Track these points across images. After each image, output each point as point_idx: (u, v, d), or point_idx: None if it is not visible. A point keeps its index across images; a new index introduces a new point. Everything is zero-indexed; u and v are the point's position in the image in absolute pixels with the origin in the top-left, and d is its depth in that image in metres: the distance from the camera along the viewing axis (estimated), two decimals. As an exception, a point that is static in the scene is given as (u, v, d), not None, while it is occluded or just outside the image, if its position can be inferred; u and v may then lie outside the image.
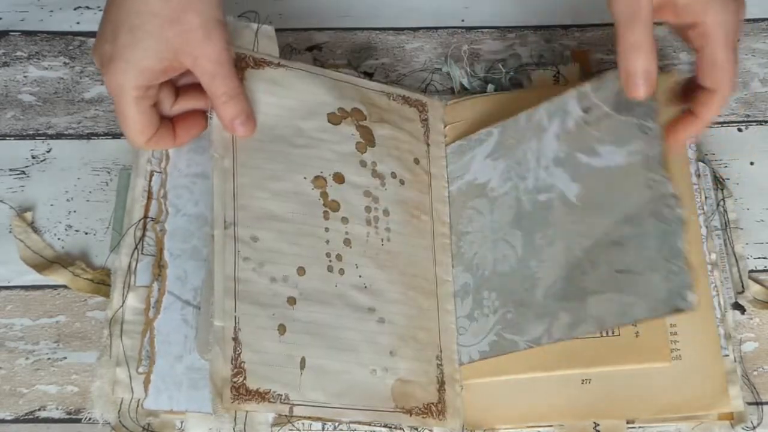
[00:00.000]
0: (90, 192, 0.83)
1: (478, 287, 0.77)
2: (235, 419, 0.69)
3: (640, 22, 0.65)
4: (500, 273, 0.76)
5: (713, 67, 0.67)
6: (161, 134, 0.75)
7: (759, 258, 0.82)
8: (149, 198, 0.76)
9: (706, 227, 0.79)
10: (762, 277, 0.81)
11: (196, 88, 0.76)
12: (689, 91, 0.71)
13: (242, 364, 0.70)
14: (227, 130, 0.74)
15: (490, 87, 0.87)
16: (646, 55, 0.66)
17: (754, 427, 0.75)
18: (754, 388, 0.77)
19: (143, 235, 0.74)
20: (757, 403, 0.76)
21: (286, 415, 0.70)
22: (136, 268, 0.74)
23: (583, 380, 0.75)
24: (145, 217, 0.75)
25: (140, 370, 0.71)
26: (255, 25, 0.79)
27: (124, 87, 0.72)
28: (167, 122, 0.76)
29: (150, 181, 0.76)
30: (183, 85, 0.77)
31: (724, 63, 0.67)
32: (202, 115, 0.77)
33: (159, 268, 0.73)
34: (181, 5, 0.71)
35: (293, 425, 0.73)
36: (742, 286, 0.80)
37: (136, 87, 0.72)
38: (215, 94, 0.73)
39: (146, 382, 0.70)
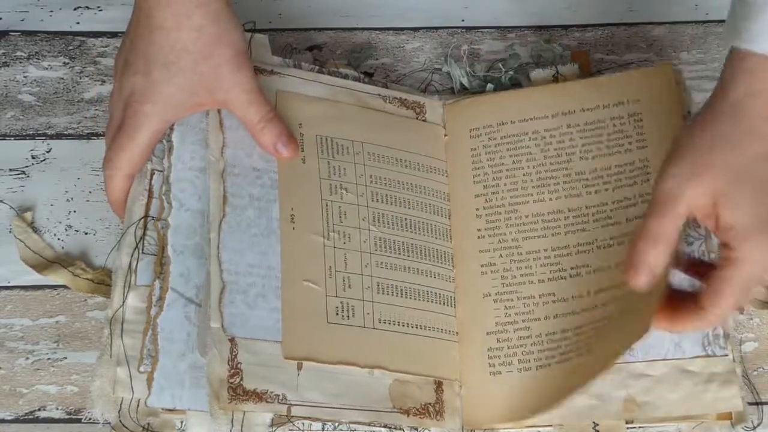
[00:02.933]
0: (90, 192, 0.83)
1: None
2: (232, 421, 0.69)
3: (669, 216, 0.63)
4: None
5: (716, 295, 0.63)
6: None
7: (759, 258, 0.81)
8: (150, 196, 0.75)
9: (705, 227, 0.79)
10: (762, 277, 0.81)
11: None
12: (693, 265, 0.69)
13: (239, 365, 0.70)
14: (272, 155, 0.76)
15: (490, 86, 0.87)
16: (659, 250, 0.63)
17: (755, 427, 0.75)
18: (754, 388, 0.76)
19: (144, 234, 0.74)
20: (757, 403, 0.76)
21: (285, 416, 0.70)
22: (136, 267, 0.74)
23: (582, 380, 0.75)
24: (146, 216, 0.75)
25: (141, 369, 0.71)
26: (248, 35, 0.80)
27: (149, 116, 0.74)
28: None
29: (151, 179, 0.76)
30: None
31: (727, 298, 0.63)
32: None
33: (161, 265, 0.73)
34: (213, 39, 0.73)
35: (294, 425, 0.73)
36: (743, 286, 0.79)
37: (162, 120, 0.75)
38: (252, 122, 0.75)
39: (149, 380, 0.70)
